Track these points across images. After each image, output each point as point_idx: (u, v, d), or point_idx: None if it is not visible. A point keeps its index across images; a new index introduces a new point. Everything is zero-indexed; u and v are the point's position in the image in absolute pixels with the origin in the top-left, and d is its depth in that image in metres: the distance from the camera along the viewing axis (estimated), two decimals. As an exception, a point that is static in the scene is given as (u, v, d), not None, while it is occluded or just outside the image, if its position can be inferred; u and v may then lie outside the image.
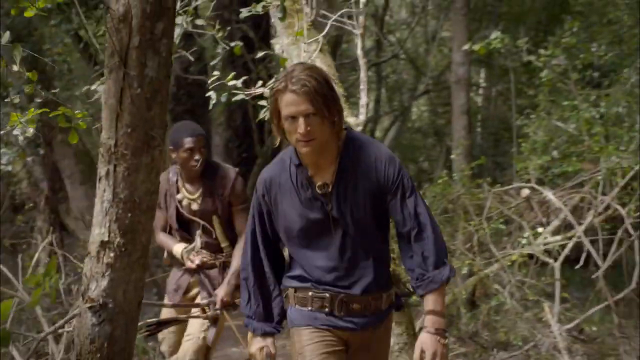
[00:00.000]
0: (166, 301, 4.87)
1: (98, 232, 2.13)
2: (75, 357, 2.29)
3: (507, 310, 6.38)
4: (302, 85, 2.83)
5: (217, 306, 4.57)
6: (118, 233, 2.11)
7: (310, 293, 3.12)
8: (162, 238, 4.90)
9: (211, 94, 4.86)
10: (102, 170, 2.08)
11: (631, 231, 6.14)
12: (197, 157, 4.54)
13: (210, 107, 4.96)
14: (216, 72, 4.81)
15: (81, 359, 2.25)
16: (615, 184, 6.33)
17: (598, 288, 6.18)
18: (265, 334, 3.22)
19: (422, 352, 3.01)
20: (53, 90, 4.88)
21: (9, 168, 8.10)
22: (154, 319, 4.73)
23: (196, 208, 4.70)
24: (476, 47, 7.37)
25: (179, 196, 4.73)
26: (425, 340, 3.01)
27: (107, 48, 2.02)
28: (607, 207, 6.48)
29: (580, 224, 6.30)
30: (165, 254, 5.00)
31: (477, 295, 7.18)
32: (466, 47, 7.75)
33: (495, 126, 15.13)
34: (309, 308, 3.14)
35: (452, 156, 9.18)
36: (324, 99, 2.85)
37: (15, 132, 7.62)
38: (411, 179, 3.04)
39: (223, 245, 4.76)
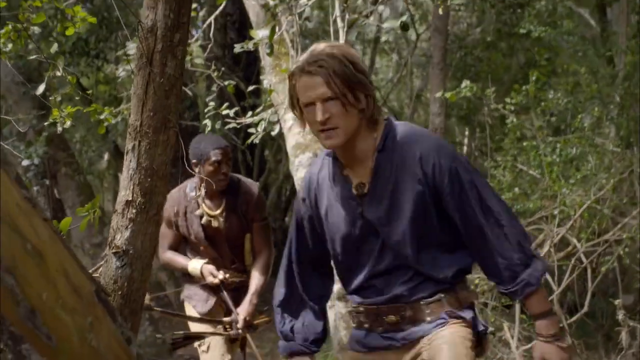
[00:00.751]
0: (190, 309, 4.64)
1: (124, 193, 2.79)
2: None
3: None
4: (319, 66, 2.46)
5: (239, 325, 4.34)
6: (139, 194, 2.76)
7: (349, 309, 2.90)
8: (171, 256, 4.57)
9: (206, 122, 5.54)
10: (129, 145, 2.75)
11: (583, 259, 6.83)
12: (224, 170, 4.30)
13: (206, 133, 5.62)
14: (212, 103, 5.50)
15: (105, 296, 2.87)
16: (569, 218, 7.03)
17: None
18: (292, 354, 2.88)
19: None
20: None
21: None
22: (180, 332, 4.40)
23: (217, 225, 4.42)
24: (447, 94, 8.12)
25: (198, 212, 4.42)
26: (546, 351, 2.62)
27: (137, 52, 2.70)
28: (568, 243, 7.19)
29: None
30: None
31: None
32: (439, 94, 8.51)
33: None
34: (354, 325, 2.85)
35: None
36: (344, 80, 2.47)
37: (24, 162, 8.31)
38: (469, 167, 2.63)
39: (247, 264, 4.54)
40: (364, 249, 2.70)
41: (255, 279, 4.44)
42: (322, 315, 2.91)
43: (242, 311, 4.37)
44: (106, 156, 13.69)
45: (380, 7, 4.47)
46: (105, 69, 11.62)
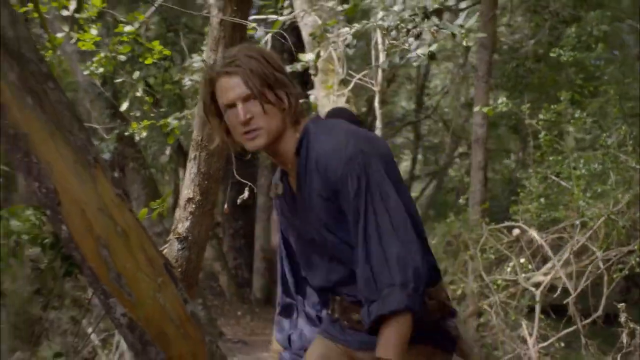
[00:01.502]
0: None
1: (186, 192, 3.57)
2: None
3: (492, 327, 7.70)
4: (236, 65, 2.35)
5: None
6: (198, 193, 3.54)
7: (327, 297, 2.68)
8: None
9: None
10: (191, 154, 3.53)
11: (600, 265, 7.43)
12: None
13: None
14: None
15: (168, 273, 3.65)
16: (590, 228, 7.63)
17: (570, 313, 7.43)
18: None
19: None
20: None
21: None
22: None
23: None
24: (485, 109, 8.77)
25: None
26: None
27: (201, 81, 3.47)
28: (594, 253, 7.81)
29: (559, 260, 7.62)
30: None
31: (468, 314, 8.46)
32: (476, 109, 9.17)
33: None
34: (328, 312, 2.69)
35: (466, 205, 10.50)
36: (262, 78, 2.35)
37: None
38: (366, 174, 2.31)
39: None
40: (317, 257, 2.57)
41: None
42: (320, 322, 2.76)
43: None
44: (168, 151, 14.53)
45: (411, 39, 5.10)
46: (172, 71, 12.44)
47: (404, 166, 22.28)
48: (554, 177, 8.55)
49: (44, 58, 2.66)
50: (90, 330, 6.18)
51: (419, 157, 20.46)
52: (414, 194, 21.54)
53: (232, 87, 2.37)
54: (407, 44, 5.42)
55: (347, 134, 2.39)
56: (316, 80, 6.67)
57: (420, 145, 19.47)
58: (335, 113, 4.02)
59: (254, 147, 2.41)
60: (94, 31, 3.74)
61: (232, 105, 2.39)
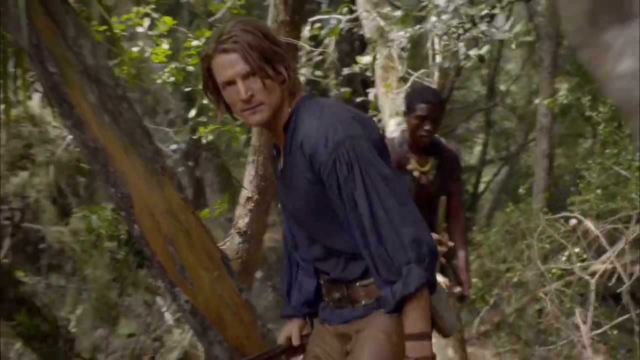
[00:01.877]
0: None
1: (245, 192, 4.00)
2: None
3: (547, 314, 7.95)
4: (234, 42, 2.27)
5: (466, 293, 3.99)
6: (256, 192, 3.97)
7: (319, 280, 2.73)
8: None
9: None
10: (250, 158, 3.96)
11: (654, 256, 7.63)
12: (427, 127, 3.88)
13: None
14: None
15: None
16: (644, 219, 7.83)
17: (624, 302, 7.65)
18: (286, 317, 2.84)
19: None
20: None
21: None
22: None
23: (425, 182, 4.06)
24: (545, 101, 8.99)
25: (409, 167, 4.05)
26: None
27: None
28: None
29: (614, 251, 7.84)
30: None
31: (526, 301, 8.73)
32: (537, 100, 9.41)
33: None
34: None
35: (526, 194, 10.73)
36: (261, 53, 2.27)
37: (172, 147, 9.70)
38: (356, 159, 2.26)
39: (442, 224, 4.16)
40: (300, 234, 2.62)
41: (462, 247, 4.11)
42: (315, 273, 2.72)
43: (466, 282, 4.05)
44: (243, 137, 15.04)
45: (460, 44, 5.41)
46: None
47: (477, 151, 22.42)
48: (615, 167, 8.72)
49: (120, 82, 3.11)
50: (164, 309, 6.67)
51: (490, 142, 20.58)
52: (485, 178, 21.68)
53: (231, 64, 2.29)
54: (457, 47, 5.74)
55: (336, 118, 2.31)
56: (376, 76, 7.00)
57: (491, 133, 19.58)
58: (419, 90, 4.09)
59: (255, 121, 2.34)
60: (165, 45, 4.18)
61: (230, 82, 2.31)
